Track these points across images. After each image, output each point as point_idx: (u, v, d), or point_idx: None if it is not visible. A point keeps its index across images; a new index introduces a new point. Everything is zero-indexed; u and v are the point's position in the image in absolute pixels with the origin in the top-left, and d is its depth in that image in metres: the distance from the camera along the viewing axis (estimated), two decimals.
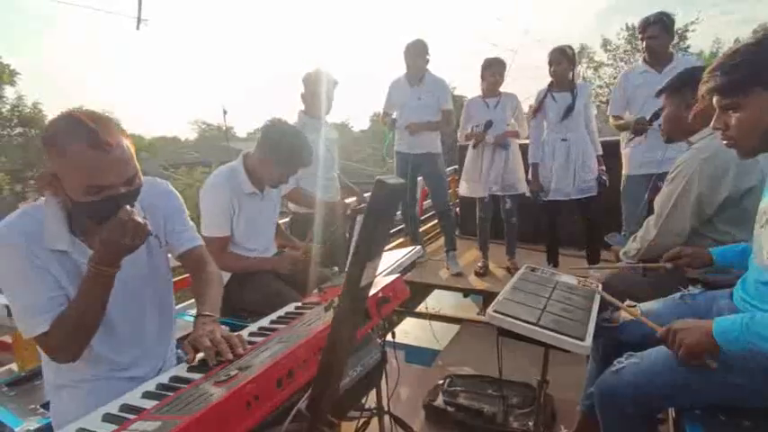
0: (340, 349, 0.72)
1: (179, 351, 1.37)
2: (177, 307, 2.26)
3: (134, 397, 0.92)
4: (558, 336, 1.29)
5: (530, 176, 3.27)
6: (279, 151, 1.93)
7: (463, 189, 3.51)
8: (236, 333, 1.10)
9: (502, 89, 3.32)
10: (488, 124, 3.17)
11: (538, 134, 3.17)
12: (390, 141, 3.60)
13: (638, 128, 2.77)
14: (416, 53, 3.32)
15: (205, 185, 2.00)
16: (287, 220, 2.88)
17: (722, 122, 1.18)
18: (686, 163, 1.72)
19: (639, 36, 2.95)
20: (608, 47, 26.84)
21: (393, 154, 3.60)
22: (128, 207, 1.00)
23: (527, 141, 3.34)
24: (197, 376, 0.95)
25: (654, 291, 1.64)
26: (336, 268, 2.55)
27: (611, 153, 3.20)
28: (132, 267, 1.14)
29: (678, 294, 1.53)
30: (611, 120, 3.22)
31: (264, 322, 1.27)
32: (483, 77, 3.24)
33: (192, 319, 1.82)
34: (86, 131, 0.96)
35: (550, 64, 3.03)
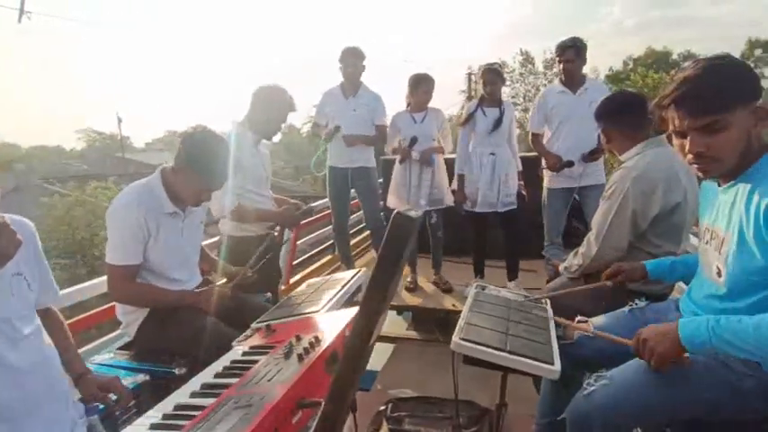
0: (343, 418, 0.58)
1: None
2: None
3: None
4: (529, 361, 1.24)
5: (452, 186, 3.31)
6: (200, 163, 1.70)
7: (392, 202, 3.46)
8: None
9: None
10: (414, 140, 3.16)
11: (465, 146, 3.22)
12: (320, 155, 3.44)
13: (558, 168, 3.11)
14: (355, 58, 3.25)
15: (113, 205, 1.71)
16: (211, 241, 2.59)
17: (701, 145, 1.14)
18: (620, 181, 1.80)
19: (557, 59, 3.17)
20: (505, 69, 29.04)
21: (323, 168, 3.45)
22: None
23: (452, 155, 3.39)
24: None
25: (599, 304, 1.67)
26: (270, 294, 2.33)
27: (528, 168, 3.36)
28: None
29: (627, 308, 1.57)
30: (530, 136, 3.39)
31: (207, 376, 1.05)
32: (412, 93, 3.23)
33: (91, 365, 1.53)
34: None
35: (486, 83, 3.11)
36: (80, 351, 1.96)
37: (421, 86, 3.19)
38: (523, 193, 3.21)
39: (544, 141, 3.31)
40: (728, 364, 1.13)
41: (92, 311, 2.12)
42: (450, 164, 3.37)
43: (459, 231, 3.56)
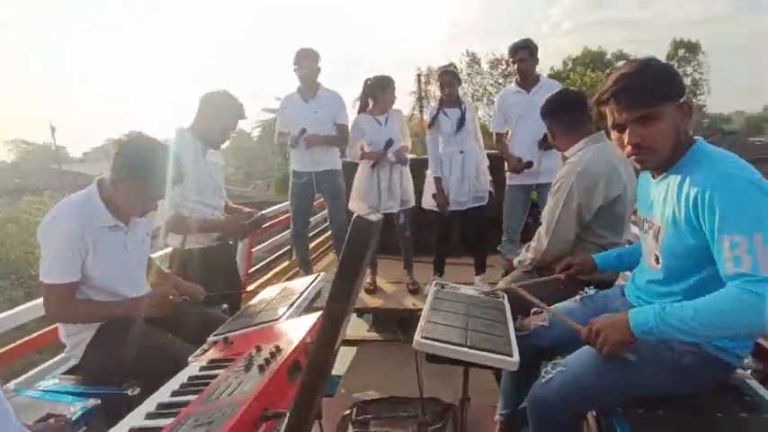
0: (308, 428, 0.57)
1: None
2: (17, 381, 1.77)
3: None
4: (489, 355, 1.28)
5: (425, 188, 3.33)
6: (140, 171, 1.61)
7: (354, 206, 3.43)
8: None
9: None
10: (389, 143, 3.14)
11: (435, 148, 3.25)
12: (287, 161, 3.39)
13: (518, 169, 3.21)
14: (310, 59, 3.20)
15: (45, 220, 1.59)
16: (161, 254, 2.48)
17: (638, 136, 1.23)
18: (565, 176, 1.89)
19: (511, 60, 3.27)
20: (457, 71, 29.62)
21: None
22: None
23: (412, 156, 3.41)
24: None
25: (554, 294, 1.74)
26: (226, 306, 2.26)
27: (494, 165, 3.41)
28: None
29: (577, 296, 1.64)
30: (494, 137, 3.48)
31: (164, 395, 1.00)
32: (380, 96, 3.21)
33: (35, 393, 1.42)
34: None
35: (444, 86, 3.16)
36: (22, 378, 1.84)
37: (388, 89, 3.20)
38: (490, 190, 3.26)
39: (507, 140, 3.40)
40: (670, 344, 1.21)
41: (32, 335, 1.98)
42: (411, 165, 3.38)
43: (422, 231, 3.59)
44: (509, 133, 3.41)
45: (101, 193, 1.65)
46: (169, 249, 2.47)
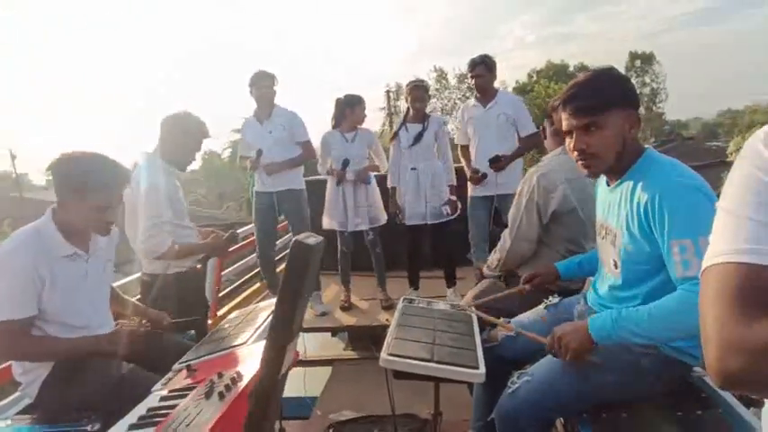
0: None
1: None
2: None
3: None
4: (455, 368, 1.28)
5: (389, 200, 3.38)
6: (79, 183, 1.56)
7: (326, 223, 3.43)
8: None
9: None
10: (345, 162, 3.20)
11: (394, 161, 3.33)
12: (251, 183, 3.36)
13: (474, 180, 3.29)
14: (265, 81, 3.20)
15: None
16: (124, 281, 2.41)
17: (583, 143, 1.29)
18: (529, 177, 1.95)
19: (469, 75, 3.33)
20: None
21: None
22: None
23: (383, 173, 3.45)
24: None
25: (520, 304, 1.77)
26: (193, 332, 2.20)
27: (459, 178, 3.47)
28: None
29: (542, 305, 1.67)
30: (459, 149, 3.54)
31: (121, 428, 0.97)
32: (350, 113, 3.25)
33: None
34: None
35: (414, 100, 3.21)
36: None
37: (358, 106, 3.26)
38: (446, 209, 3.27)
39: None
40: (628, 347, 1.25)
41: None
42: (381, 181, 3.43)
43: (393, 245, 3.60)
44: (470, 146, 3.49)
45: (55, 221, 1.59)
46: (136, 276, 2.41)
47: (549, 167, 1.90)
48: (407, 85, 3.32)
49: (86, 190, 1.56)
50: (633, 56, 35.26)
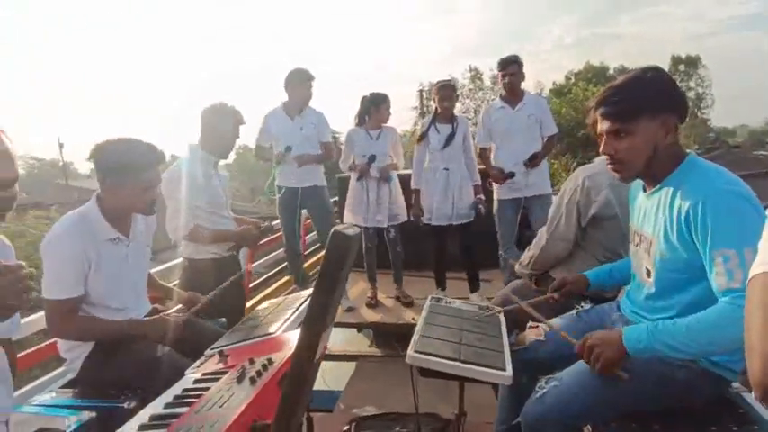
0: None
1: None
2: (15, 395, 1.78)
3: None
4: (481, 369, 1.28)
5: (412, 201, 3.36)
6: (117, 166, 1.65)
7: (348, 219, 3.47)
8: None
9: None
10: (372, 158, 3.22)
11: (419, 162, 3.31)
12: (274, 176, 3.41)
13: (501, 180, 3.26)
14: (301, 82, 3.26)
15: (48, 237, 1.63)
16: (163, 267, 2.51)
17: (612, 148, 1.27)
18: (575, 175, 1.91)
19: (500, 74, 3.29)
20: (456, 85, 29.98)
21: (276, 190, 3.42)
22: None
23: (406, 171, 3.45)
24: None
25: (551, 309, 1.74)
26: (224, 319, 2.27)
27: (484, 180, 3.44)
28: None
29: (573, 311, 1.64)
30: (478, 150, 3.51)
31: (157, 407, 1.01)
32: (375, 111, 3.27)
33: (30, 408, 1.43)
34: None
35: (442, 99, 3.20)
36: (20, 392, 1.84)
37: (383, 105, 3.27)
38: (480, 207, 3.25)
39: (491, 155, 3.45)
40: (663, 359, 1.21)
41: (32, 349, 1.99)
42: (403, 180, 3.43)
43: (419, 245, 3.61)
44: (491, 149, 3.46)
45: (100, 207, 1.69)
46: (177, 261, 2.52)
47: (597, 169, 1.85)
48: (435, 85, 3.32)
49: (127, 171, 1.65)
50: (676, 60, 33.91)
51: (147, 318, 1.78)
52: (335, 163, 3.61)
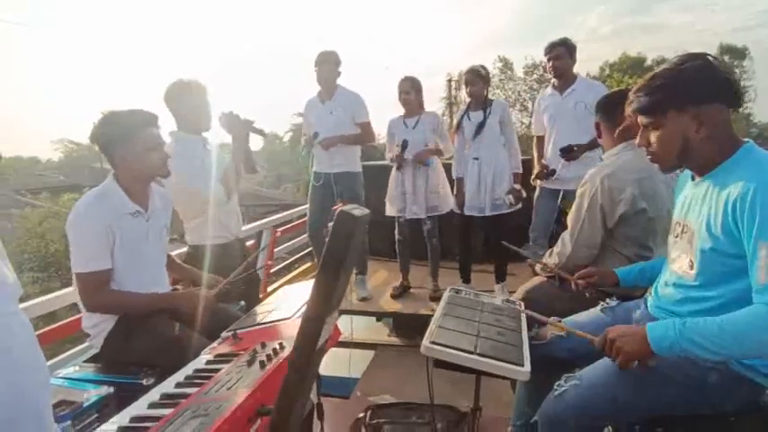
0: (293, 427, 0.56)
1: None
2: None
3: None
4: (498, 363, 1.24)
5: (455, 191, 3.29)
6: (115, 136, 1.70)
7: (388, 209, 3.43)
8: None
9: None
10: (404, 144, 3.13)
11: (458, 150, 3.24)
12: (308, 163, 3.41)
13: (540, 177, 3.13)
14: (326, 63, 3.20)
15: (73, 212, 1.67)
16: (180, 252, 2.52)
17: (645, 140, 1.26)
18: (591, 179, 1.81)
19: (546, 58, 3.09)
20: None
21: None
22: None
23: (449, 160, 3.35)
24: None
25: (574, 304, 1.68)
26: (243, 302, 2.29)
27: (527, 171, 3.31)
28: None
29: (598, 307, 1.58)
30: (534, 141, 3.39)
31: (168, 386, 1.02)
32: (400, 97, 3.23)
33: (54, 380, 1.47)
34: None
35: (467, 84, 3.11)
36: (48, 363, 1.90)
37: (399, 87, 3.21)
38: (509, 197, 3.10)
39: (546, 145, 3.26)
40: (694, 360, 1.14)
41: (58, 323, 2.05)
42: (448, 169, 3.34)
43: (447, 237, 3.55)
44: (545, 138, 3.27)
45: (118, 182, 1.73)
46: (184, 249, 2.49)
47: (615, 166, 1.76)
48: (464, 74, 3.20)
49: (125, 136, 1.69)
50: (724, 49, 32.21)
51: (179, 291, 1.81)
52: (371, 150, 3.56)
